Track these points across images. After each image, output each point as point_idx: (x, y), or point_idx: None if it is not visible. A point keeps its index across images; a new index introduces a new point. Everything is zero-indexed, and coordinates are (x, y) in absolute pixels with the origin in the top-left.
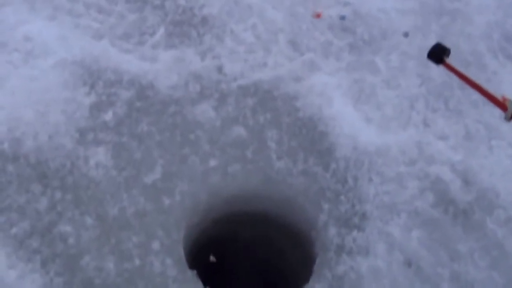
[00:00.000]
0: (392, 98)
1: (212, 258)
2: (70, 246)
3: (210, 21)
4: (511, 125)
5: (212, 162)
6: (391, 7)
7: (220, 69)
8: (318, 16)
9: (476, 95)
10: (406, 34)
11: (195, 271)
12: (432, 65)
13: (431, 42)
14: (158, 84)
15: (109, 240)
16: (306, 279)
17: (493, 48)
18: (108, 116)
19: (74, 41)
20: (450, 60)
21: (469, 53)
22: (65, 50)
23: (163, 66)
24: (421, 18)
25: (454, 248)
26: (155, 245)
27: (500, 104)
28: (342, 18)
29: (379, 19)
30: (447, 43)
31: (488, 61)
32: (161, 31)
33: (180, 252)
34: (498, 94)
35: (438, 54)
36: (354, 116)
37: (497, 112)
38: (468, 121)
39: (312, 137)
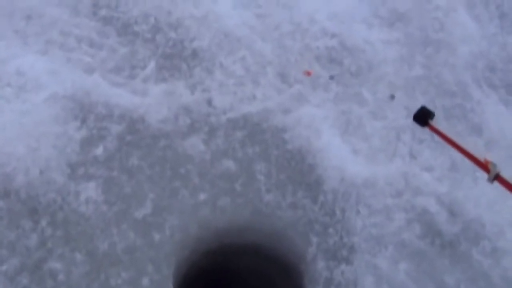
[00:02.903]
0: (379, 130)
1: None
2: (60, 283)
3: (200, 54)
4: (496, 157)
5: (202, 196)
6: (377, 38)
7: (209, 102)
8: (308, 74)
9: (460, 126)
10: (392, 97)
11: None
12: (418, 96)
13: (416, 73)
14: (148, 118)
15: (99, 276)
16: None
17: (477, 78)
18: (99, 150)
19: (66, 75)
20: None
21: (454, 83)
22: (56, 84)
23: (153, 99)
24: (406, 49)
25: (441, 280)
26: (145, 281)
27: (483, 166)
28: (331, 77)
29: (365, 51)
30: (432, 74)
31: (472, 90)
32: (151, 64)
33: None
34: (481, 157)
35: (423, 117)
36: (341, 148)
37: (482, 142)
38: (453, 152)
39: (300, 170)
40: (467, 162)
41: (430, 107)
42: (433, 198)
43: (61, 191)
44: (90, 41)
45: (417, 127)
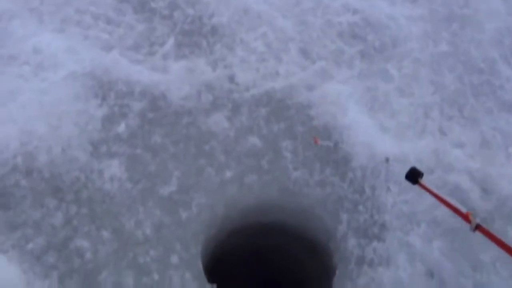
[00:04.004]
0: (407, 106)
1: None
2: (87, 261)
3: (220, 30)
4: None
5: (228, 173)
6: (400, 14)
7: (232, 78)
8: (316, 142)
9: (490, 103)
10: (387, 160)
11: (214, 285)
12: (445, 72)
13: (442, 49)
14: (170, 95)
15: (126, 255)
16: None
17: (505, 55)
18: (121, 128)
19: (84, 53)
20: None
21: (481, 60)
22: (75, 62)
23: (174, 76)
24: (431, 25)
25: (476, 258)
26: (174, 259)
27: (464, 217)
28: (336, 144)
29: (389, 27)
30: (458, 50)
31: (500, 67)
32: (171, 41)
33: (199, 266)
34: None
35: (414, 177)
36: (369, 125)
37: None
38: (484, 128)
39: (327, 147)
40: (499, 138)
41: (457, 83)
42: (465, 175)
43: (84, 169)
44: (107, 18)
45: (445, 103)
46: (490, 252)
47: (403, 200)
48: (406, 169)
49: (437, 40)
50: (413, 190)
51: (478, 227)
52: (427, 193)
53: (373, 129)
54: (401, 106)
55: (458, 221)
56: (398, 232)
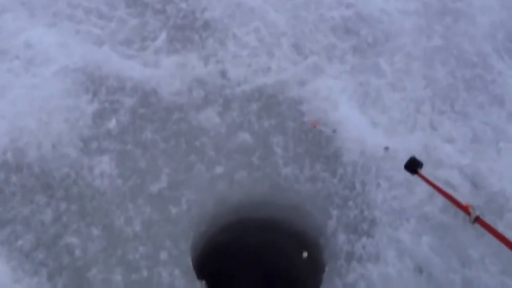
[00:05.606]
0: (398, 101)
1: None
2: (77, 258)
3: (212, 25)
4: None
5: (218, 169)
6: (394, 8)
7: (223, 74)
8: (314, 126)
9: (481, 97)
10: (386, 148)
11: (203, 282)
12: (437, 67)
13: (435, 43)
14: (161, 90)
15: (116, 252)
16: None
17: (498, 49)
18: (112, 124)
19: (75, 48)
20: None
21: (474, 54)
22: (66, 57)
23: (166, 71)
24: (424, 19)
25: (465, 254)
26: (163, 255)
27: (464, 209)
28: (334, 131)
29: (382, 21)
30: (451, 44)
31: (493, 61)
32: (163, 36)
33: (188, 262)
34: (464, 202)
35: (413, 167)
36: (360, 120)
37: (504, 113)
38: (475, 123)
39: (318, 142)
40: (490, 133)
41: (449, 77)
42: (455, 170)
43: (75, 166)
44: (99, 12)
45: (437, 98)
46: (479, 248)
47: (392, 196)
48: (396, 165)
49: (430, 34)
50: (403, 186)
51: (477, 219)
52: (417, 189)
53: (365, 124)
54: (393, 101)
55: (447, 217)
56: (387, 228)
